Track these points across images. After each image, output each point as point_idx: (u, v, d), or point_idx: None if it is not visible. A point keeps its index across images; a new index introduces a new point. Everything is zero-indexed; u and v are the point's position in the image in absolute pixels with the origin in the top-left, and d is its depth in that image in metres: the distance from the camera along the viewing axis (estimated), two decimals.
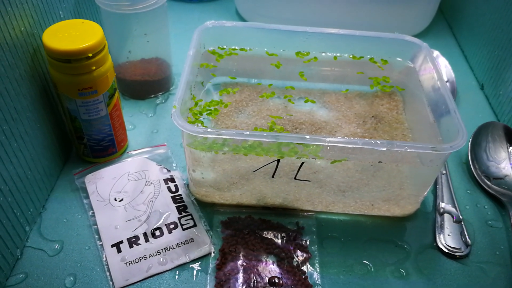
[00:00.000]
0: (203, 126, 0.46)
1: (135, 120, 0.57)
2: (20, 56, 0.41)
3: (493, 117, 0.59)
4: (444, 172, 0.51)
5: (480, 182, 0.51)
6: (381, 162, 0.42)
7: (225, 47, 0.53)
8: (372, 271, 0.44)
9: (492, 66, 0.61)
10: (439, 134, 0.45)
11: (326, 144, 0.40)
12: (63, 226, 0.46)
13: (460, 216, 0.47)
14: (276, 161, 0.42)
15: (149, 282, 0.42)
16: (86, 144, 0.49)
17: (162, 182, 0.49)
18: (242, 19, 0.74)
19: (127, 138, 0.53)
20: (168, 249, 0.43)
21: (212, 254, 0.44)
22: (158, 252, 0.43)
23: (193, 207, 0.47)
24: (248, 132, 0.40)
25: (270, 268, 0.42)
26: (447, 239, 0.46)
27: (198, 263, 0.43)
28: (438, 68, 0.48)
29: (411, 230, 0.47)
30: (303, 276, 0.42)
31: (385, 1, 0.67)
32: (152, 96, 0.60)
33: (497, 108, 0.60)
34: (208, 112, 0.48)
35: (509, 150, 0.53)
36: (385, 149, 0.40)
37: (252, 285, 0.41)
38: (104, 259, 0.43)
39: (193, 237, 0.44)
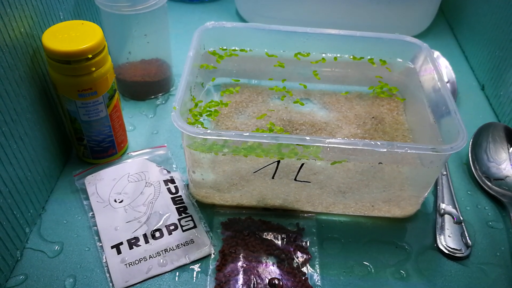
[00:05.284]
0: (203, 127, 0.46)
1: (135, 121, 0.57)
2: (19, 57, 0.41)
3: (494, 117, 0.59)
4: (445, 173, 0.51)
5: (481, 183, 0.51)
6: (381, 163, 0.42)
7: (225, 48, 0.53)
8: (373, 272, 0.43)
9: (493, 66, 0.61)
10: (440, 135, 0.45)
11: (326, 145, 0.40)
12: (63, 228, 0.45)
13: (461, 217, 0.47)
14: (276, 162, 0.42)
15: (149, 283, 0.42)
16: (86, 145, 0.49)
17: (162, 183, 0.49)
18: (242, 19, 0.74)
19: (127, 139, 0.53)
20: (168, 251, 0.43)
21: (212, 256, 0.44)
22: (158, 254, 0.43)
23: (193, 208, 0.47)
24: (248, 133, 0.40)
25: (270, 270, 0.42)
26: (447, 240, 0.45)
27: (198, 265, 0.43)
28: (438, 68, 0.48)
29: (412, 231, 0.47)
30: (303, 278, 0.42)
31: (385, 2, 0.67)
32: (152, 97, 0.60)
33: (497, 109, 0.59)
34: (208, 113, 0.48)
35: (510, 151, 0.52)
36: (385, 150, 0.39)
37: (252, 287, 0.41)
38: (104, 261, 0.43)
39: (193, 238, 0.44)
